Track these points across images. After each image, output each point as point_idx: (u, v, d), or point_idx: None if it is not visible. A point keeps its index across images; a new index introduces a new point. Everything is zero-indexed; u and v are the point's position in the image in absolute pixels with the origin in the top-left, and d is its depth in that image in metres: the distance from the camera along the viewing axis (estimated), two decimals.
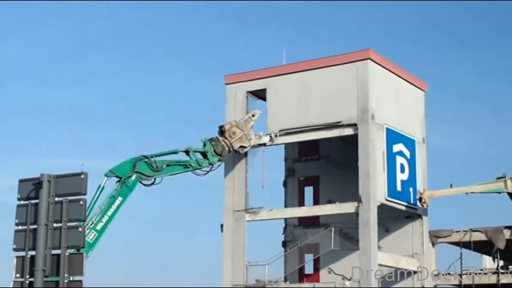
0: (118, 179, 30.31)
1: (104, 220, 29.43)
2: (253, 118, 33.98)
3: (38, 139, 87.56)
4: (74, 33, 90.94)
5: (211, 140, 32.70)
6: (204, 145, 32.51)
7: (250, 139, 33.54)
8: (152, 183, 31.35)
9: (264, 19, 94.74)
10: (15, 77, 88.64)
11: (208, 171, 32.65)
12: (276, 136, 34.29)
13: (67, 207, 14.46)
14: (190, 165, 31.90)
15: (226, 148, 32.78)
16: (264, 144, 34.15)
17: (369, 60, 33.29)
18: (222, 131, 33.19)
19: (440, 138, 79.28)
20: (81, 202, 14.49)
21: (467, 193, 33.87)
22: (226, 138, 32.90)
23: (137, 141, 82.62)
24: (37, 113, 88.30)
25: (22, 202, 14.86)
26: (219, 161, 32.86)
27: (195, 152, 32.22)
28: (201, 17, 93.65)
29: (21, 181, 15.01)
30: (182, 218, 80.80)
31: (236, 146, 33.15)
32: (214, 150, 32.49)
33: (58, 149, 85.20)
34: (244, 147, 33.49)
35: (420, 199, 33.75)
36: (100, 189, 29.77)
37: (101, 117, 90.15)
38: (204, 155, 32.37)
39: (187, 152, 32.12)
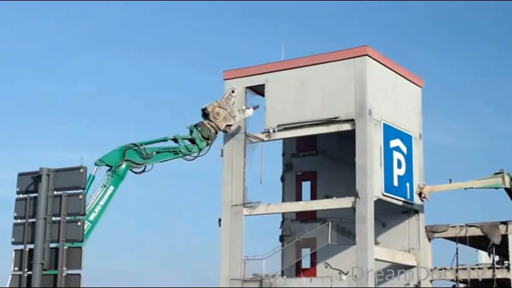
0: (109, 167, 30.18)
1: (97, 210, 28.99)
2: (233, 94, 33.75)
3: (38, 133, 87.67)
4: (75, 29, 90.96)
5: (196, 125, 32.60)
6: (191, 132, 32.48)
7: (235, 116, 33.50)
8: (143, 171, 31.32)
9: (263, 15, 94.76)
10: (15, 72, 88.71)
11: (196, 156, 32.65)
12: (274, 131, 34.41)
13: (66, 201, 14.58)
14: (179, 151, 31.92)
15: (213, 130, 32.75)
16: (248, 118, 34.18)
17: (366, 57, 33.42)
18: (205, 114, 33.03)
19: (438, 134, 79.41)
20: (80, 196, 14.60)
21: (465, 188, 34.01)
22: (211, 121, 32.82)
23: (138, 136, 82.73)
24: (38, 107, 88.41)
25: (21, 196, 14.97)
26: (207, 145, 32.86)
27: (183, 139, 32.29)
28: (199, 13, 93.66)
29: (20, 175, 15.12)
30: (180, 212, 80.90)
31: (222, 126, 33.12)
32: (202, 135, 32.52)
33: (58, 143, 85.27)
34: (230, 125, 33.52)
35: (420, 194, 33.80)
36: (90, 178, 29.47)
37: (102, 112, 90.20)
38: (192, 141, 32.46)
39: (175, 140, 32.17)
